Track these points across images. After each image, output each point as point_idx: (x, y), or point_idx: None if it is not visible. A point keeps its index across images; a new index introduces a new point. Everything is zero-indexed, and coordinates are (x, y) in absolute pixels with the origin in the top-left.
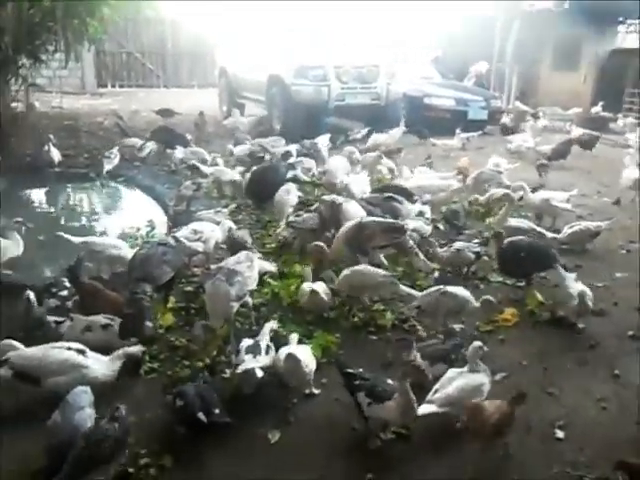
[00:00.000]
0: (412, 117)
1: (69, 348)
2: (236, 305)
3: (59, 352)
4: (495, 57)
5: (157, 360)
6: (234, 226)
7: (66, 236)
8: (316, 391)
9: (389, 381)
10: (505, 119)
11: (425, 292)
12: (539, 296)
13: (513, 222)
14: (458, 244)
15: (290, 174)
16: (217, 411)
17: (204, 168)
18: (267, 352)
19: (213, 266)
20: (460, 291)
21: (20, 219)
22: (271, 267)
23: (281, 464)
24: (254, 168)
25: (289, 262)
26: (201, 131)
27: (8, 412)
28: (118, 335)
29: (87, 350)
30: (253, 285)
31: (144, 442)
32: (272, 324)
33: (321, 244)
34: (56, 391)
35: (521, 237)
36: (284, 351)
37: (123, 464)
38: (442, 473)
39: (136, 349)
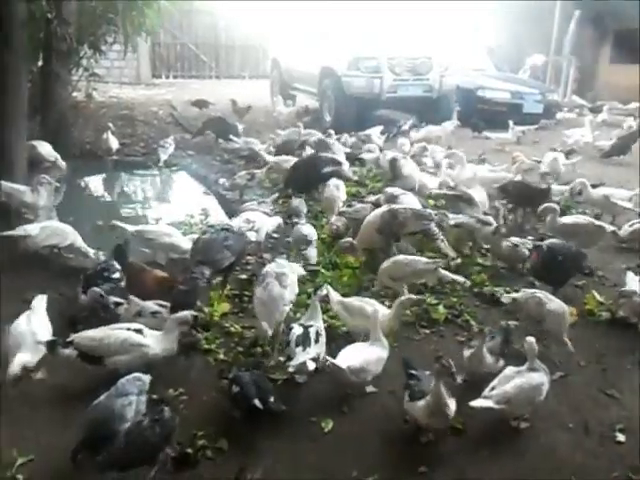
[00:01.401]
0: (465, 110)
1: (128, 329)
2: (287, 309)
3: (119, 332)
4: (552, 49)
5: (213, 343)
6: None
7: (120, 224)
8: (373, 389)
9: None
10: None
11: (521, 294)
12: (597, 295)
13: (569, 219)
14: (514, 239)
15: (329, 169)
16: (272, 399)
17: (266, 156)
18: (317, 340)
19: (266, 255)
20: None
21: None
22: (301, 270)
23: (334, 453)
24: (296, 160)
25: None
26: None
27: (75, 392)
28: (170, 309)
29: (145, 329)
30: (296, 288)
31: (201, 424)
32: (323, 291)
33: (349, 239)
34: (118, 370)
35: (555, 241)
36: (341, 354)
37: (181, 444)
38: (496, 470)
39: (185, 313)
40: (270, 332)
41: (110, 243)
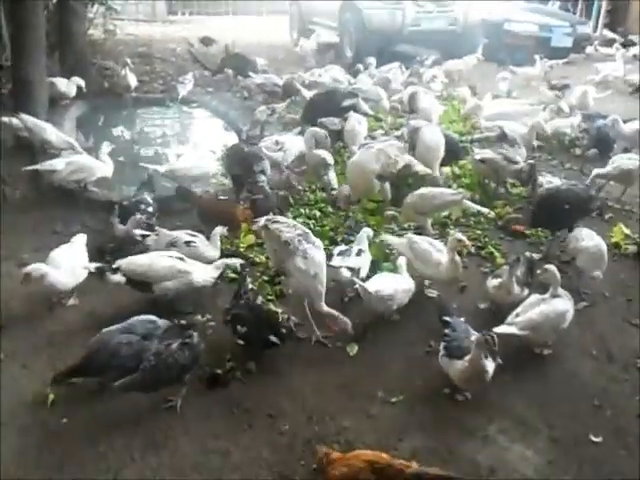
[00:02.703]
0: (491, 44)
1: (170, 257)
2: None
3: (166, 259)
4: None
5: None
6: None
7: (150, 166)
8: (396, 317)
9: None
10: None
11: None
12: (625, 229)
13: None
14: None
15: (348, 102)
16: (283, 330)
17: (304, 91)
18: (358, 254)
19: (296, 183)
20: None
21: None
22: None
23: (359, 376)
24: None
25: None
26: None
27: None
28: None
29: (185, 258)
30: None
31: (230, 348)
32: (369, 231)
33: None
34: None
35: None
36: (371, 280)
37: (211, 366)
38: (518, 394)
39: (235, 260)
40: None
41: (134, 179)
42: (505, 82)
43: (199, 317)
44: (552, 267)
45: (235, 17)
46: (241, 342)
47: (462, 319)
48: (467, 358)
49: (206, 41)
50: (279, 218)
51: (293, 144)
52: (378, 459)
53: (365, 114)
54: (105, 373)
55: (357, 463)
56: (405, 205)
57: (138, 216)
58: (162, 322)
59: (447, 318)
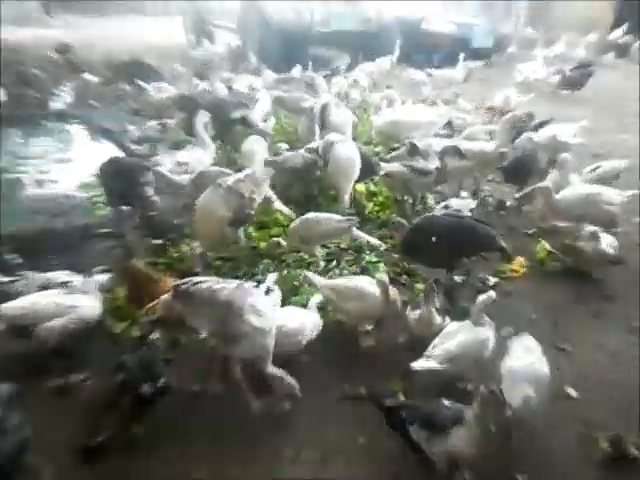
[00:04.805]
0: (408, 45)
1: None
2: None
3: (50, 295)
4: None
5: None
6: None
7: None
8: (306, 358)
9: (446, 402)
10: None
11: None
12: (547, 245)
13: None
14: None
15: (237, 114)
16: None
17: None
18: (267, 293)
19: None
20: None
21: None
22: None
23: (263, 433)
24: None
25: (268, 210)
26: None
27: None
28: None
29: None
30: None
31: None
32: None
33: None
34: None
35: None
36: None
37: (88, 434)
38: None
39: None
40: None
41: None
42: (427, 87)
43: (75, 376)
44: (491, 293)
45: (124, 17)
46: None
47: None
48: (467, 419)
49: (61, 48)
50: (201, 278)
51: (197, 163)
52: None
53: (259, 130)
54: None
55: None
56: (289, 231)
57: None
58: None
59: (390, 403)
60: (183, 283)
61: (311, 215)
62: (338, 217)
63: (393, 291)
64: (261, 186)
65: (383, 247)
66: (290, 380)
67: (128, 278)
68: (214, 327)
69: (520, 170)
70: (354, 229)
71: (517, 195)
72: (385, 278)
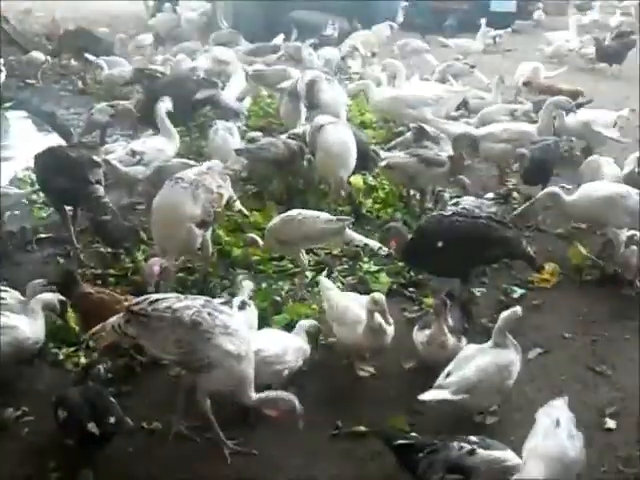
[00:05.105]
0: (413, 7)
1: None
2: None
3: None
4: None
5: None
6: None
7: None
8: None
9: (472, 438)
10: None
11: None
12: (583, 250)
13: None
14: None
15: (204, 93)
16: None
17: None
18: (242, 308)
19: None
20: None
21: None
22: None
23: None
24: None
25: (246, 206)
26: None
27: None
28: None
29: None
30: None
31: (58, 452)
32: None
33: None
34: None
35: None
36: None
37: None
38: None
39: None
40: None
41: None
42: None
43: (10, 410)
44: (517, 309)
45: None
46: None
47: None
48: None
49: None
50: (159, 295)
51: (157, 153)
52: None
53: (231, 112)
54: None
55: None
56: (267, 232)
57: None
58: None
59: (404, 441)
60: (137, 303)
61: (294, 212)
62: (328, 216)
63: (382, 317)
64: (226, 181)
65: (385, 251)
66: (286, 396)
67: (81, 308)
68: (178, 354)
69: (541, 167)
70: (348, 230)
71: (515, 212)
72: (379, 297)
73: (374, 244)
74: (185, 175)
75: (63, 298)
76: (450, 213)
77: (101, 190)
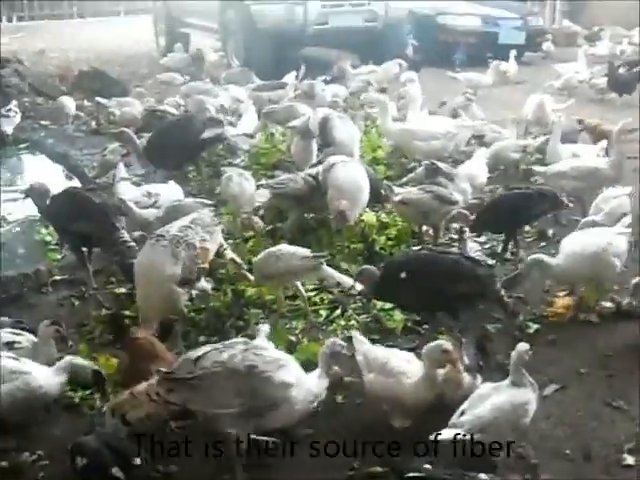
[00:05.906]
0: (422, 43)
1: None
2: None
3: None
4: None
5: None
6: None
7: None
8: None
9: (482, 475)
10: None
11: None
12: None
13: None
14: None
15: (210, 133)
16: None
17: None
18: None
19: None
20: None
21: None
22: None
23: None
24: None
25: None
26: None
27: None
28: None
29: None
30: None
31: None
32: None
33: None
34: None
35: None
36: None
37: None
38: None
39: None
40: None
41: None
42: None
43: (26, 455)
44: (524, 345)
45: (83, 20)
46: None
47: None
48: None
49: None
50: (195, 353)
51: (171, 194)
52: None
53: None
54: None
55: None
56: (253, 266)
57: None
58: None
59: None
60: (176, 369)
61: (274, 249)
62: (305, 252)
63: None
64: (214, 233)
65: (358, 288)
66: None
67: (130, 354)
68: (240, 404)
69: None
70: (324, 267)
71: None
72: (447, 346)
73: (347, 282)
74: (166, 232)
75: (98, 369)
76: (419, 248)
77: (127, 235)
